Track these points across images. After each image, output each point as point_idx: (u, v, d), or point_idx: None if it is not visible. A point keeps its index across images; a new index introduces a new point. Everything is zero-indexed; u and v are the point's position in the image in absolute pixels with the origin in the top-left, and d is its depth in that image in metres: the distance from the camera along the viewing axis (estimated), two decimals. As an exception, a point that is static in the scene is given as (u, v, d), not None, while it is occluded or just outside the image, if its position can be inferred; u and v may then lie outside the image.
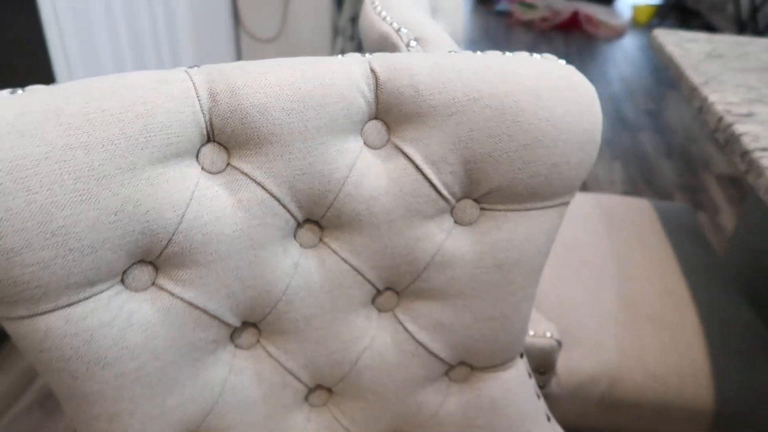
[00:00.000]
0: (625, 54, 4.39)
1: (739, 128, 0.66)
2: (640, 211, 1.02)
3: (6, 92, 0.38)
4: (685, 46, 0.96)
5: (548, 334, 0.71)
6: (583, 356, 0.74)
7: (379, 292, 0.51)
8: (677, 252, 0.92)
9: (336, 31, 2.75)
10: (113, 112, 0.38)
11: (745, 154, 0.62)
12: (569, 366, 0.74)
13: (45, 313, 0.38)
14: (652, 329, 0.77)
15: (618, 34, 4.72)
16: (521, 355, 0.57)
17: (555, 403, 0.75)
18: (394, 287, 0.51)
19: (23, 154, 0.35)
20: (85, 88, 0.39)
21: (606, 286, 0.83)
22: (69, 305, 0.39)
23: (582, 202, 1.02)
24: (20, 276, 0.36)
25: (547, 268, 0.86)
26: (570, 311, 0.79)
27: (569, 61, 4.15)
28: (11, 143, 0.35)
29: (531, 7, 4.89)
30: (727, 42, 0.99)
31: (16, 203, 0.35)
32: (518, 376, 0.55)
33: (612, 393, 0.73)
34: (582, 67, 4.06)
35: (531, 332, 0.70)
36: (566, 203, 0.51)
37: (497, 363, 0.54)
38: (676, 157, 2.85)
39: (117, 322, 0.40)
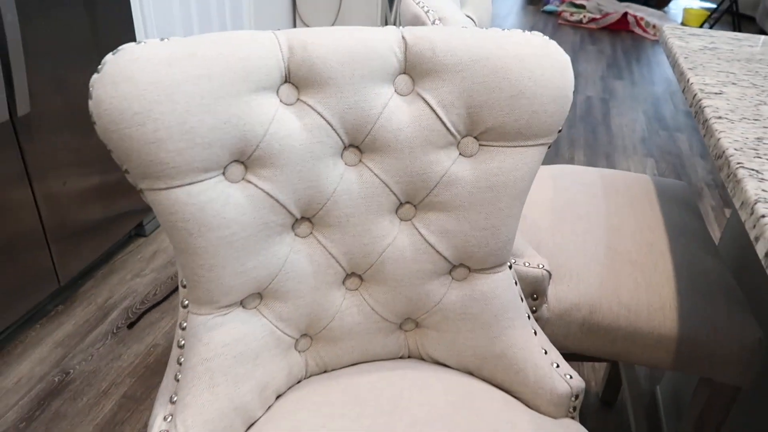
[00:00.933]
0: (671, 56, 4.42)
1: (706, 102, 0.81)
2: (639, 183, 1.17)
3: (156, 40, 0.57)
4: (685, 39, 1.10)
5: (541, 266, 0.87)
6: (569, 288, 0.90)
7: (401, 204, 0.69)
8: (666, 217, 1.06)
9: (386, 24, 2.93)
10: (226, 55, 0.57)
11: (705, 121, 0.77)
12: (557, 295, 0.90)
13: (175, 187, 0.57)
14: (629, 270, 0.92)
15: (666, 36, 4.73)
16: (510, 267, 0.74)
17: (545, 326, 0.91)
18: (412, 201, 0.69)
19: (171, 78, 0.55)
20: (207, 39, 0.58)
21: (594, 236, 0.98)
22: (190, 183, 0.58)
23: (586, 173, 1.17)
24: (164, 158, 0.56)
25: (547, 219, 1.02)
26: (561, 252, 0.95)
27: (614, 61, 4.22)
28: (164, 71, 0.54)
29: (580, 7, 4.96)
30: (725, 37, 1.13)
31: (165, 109, 0.54)
32: (505, 279, 0.72)
33: (591, 318, 0.89)
34: (627, 67, 4.13)
35: (527, 263, 0.87)
36: (546, 144, 0.67)
37: (488, 266, 0.71)
38: (709, 158, 2.92)
39: (219, 200, 0.59)
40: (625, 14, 4.78)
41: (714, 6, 5.57)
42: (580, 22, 4.88)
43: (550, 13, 5.21)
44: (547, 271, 0.86)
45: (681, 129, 3.22)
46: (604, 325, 0.88)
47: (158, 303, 1.82)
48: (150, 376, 1.58)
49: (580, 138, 3.04)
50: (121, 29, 1.77)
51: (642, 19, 4.74)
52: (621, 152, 2.93)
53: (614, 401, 1.55)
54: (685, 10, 5.02)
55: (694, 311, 0.87)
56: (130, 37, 1.81)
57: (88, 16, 1.64)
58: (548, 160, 2.75)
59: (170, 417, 0.62)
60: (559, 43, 4.47)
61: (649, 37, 4.71)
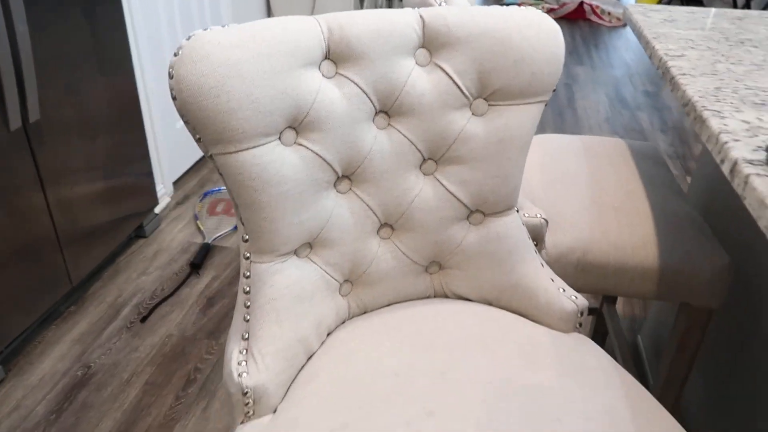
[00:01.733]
0: (627, 42, 4.64)
1: (671, 63, 0.95)
2: (614, 145, 1.31)
3: (219, 27, 0.68)
4: (647, 15, 1.24)
5: (538, 215, 0.99)
6: (564, 234, 1.03)
7: (424, 160, 0.80)
8: (640, 171, 1.20)
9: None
10: (279, 36, 0.68)
11: (672, 78, 0.91)
12: (553, 241, 1.02)
13: (243, 150, 0.68)
14: (614, 216, 1.06)
15: (622, 23, 4.96)
16: (517, 211, 0.86)
17: (545, 269, 1.03)
18: (434, 157, 0.81)
19: (239, 56, 0.65)
20: (262, 24, 0.68)
21: (581, 189, 1.12)
22: (255, 147, 0.68)
23: (568, 139, 1.31)
24: (235, 125, 0.66)
25: (538, 177, 1.15)
26: (554, 205, 1.08)
27: (574, 48, 4.41)
28: (233, 51, 0.65)
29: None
30: (682, 11, 1.27)
31: (236, 83, 0.65)
32: (515, 221, 0.85)
33: (585, 259, 1.02)
34: (587, 53, 4.33)
35: (526, 214, 0.99)
36: (544, 101, 0.80)
37: (500, 210, 0.83)
38: (669, 132, 3.12)
39: (277, 161, 0.70)
40: (581, 3, 4.99)
41: (663, -8, 5.85)
42: (539, 13, 5.07)
43: (511, 5, 5.40)
44: (544, 219, 0.99)
45: (641, 108, 3.42)
46: (596, 264, 1.02)
47: (167, 297, 1.90)
48: (168, 363, 1.66)
49: (549, 121, 3.20)
50: (115, 35, 1.85)
51: (597, 7, 4.96)
52: (587, 132, 3.10)
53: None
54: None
55: (670, 245, 1.01)
56: (124, 41, 1.89)
57: (88, 24, 1.71)
58: (521, 144, 2.90)
59: (245, 350, 0.72)
60: (521, 34, 4.65)
61: (606, 24, 4.92)
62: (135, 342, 1.73)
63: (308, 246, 0.77)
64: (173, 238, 2.20)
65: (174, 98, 0.66)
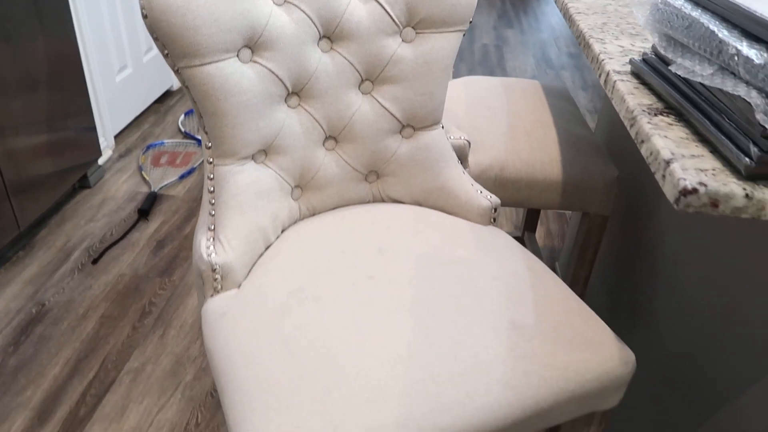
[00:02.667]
0: (554, 8, 4.88)
1: (570, 4, 1.11)
2: (530, 85, 1.48)
3: (182, -45, 0.78)
4: (556, -33, 1.41)
5: (462, 138, 1.15)
6: (484, 154, 1.19)
7: (362, 80, 0.94)
8: (550, 105, 1.38)
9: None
10: (236, -35, 0.79)
11: (570, 16, 1.08)
12: (476, 160, 1.19)
13: (207, 64, 0.79)
14: (526, 139, 1.23)
15: (548, -11, 5.17)
16: (442, 127, 1.01)
17: (468, 186, 1.20)
18: (371, 78, 0.94)
19: (202, -20, 0.76)
20: (220, -46, 0.79)
21: (499, 118, 1.28)
22: (217, 61, 0.80)
23: (489, 80, 1.48)
24: (200, 41, 0.77)
25: (463, 109, 1.30)
26: (476, 131, 1.24)
27: (504, 12, 4.61)
28: (196, -25, 0.76)
29: (470, -36, 5.26)
30: (585, -35, 1.45)
31: (200, 3, 0.76)
32: (440, 134, 1.00)
33: (501, 174, 1.18)
34: (516, 18, 4.53)
35: (451, 137, 1.15)
36: (462, 31, 0.94)
37: (428, 124, 0.98)
38: (589, 89, 3.36)
39: (236, 74, 0.82)
40: (511, -30, 5.16)
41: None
42: (472, -22, 5.23)
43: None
44: (467, 140, 1.15)
45: (565, 68, 3.65)
46: (510, 179, 1.19)
47: (118, 240, 1.97)
48: (123, 299, 1.75)
49: (480, 80, 3.38)
50: (53, -16, 1.86)
51: (526, -27, 5.15)
52: (516, 90, 3.30)
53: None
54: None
55: (572, 162, 1.20)
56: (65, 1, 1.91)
57: (26, -30, 1.72)
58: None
59: (212, 238, 0.85)
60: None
61: (533, -10, 5.13)
62: (88, 281, 1.80)
63: (263, 153, 0.90)
64: (118, 189, 2.25)
65: (145, 17, 0.76)
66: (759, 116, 0.53)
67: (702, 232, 0.97)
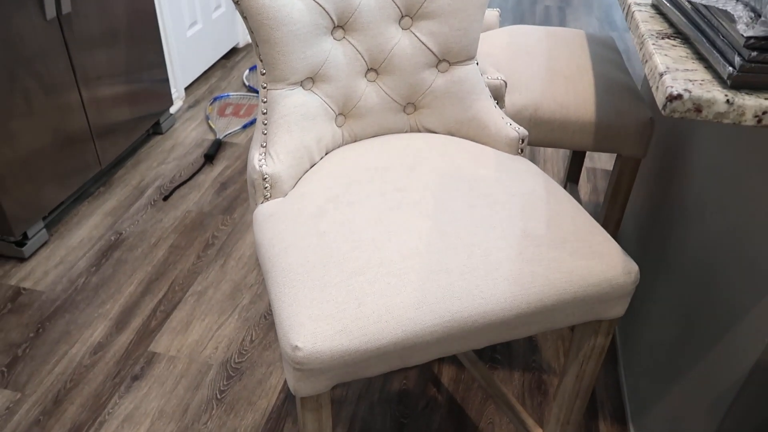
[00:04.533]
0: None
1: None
2: (575, 34, 1.52)
3: None
4: None
5: (499, 78, 1.22)
6: (520, 95, 1.26)
7: (402, 16, 1.02)
8: (592, 52, 1.42)
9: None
10: None
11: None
12: (512, 101, 1.25)
13: (262, -5, 0.90)
14: (563, 82, 1.28)
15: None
16: (476, 63, 1.09)
17: (504, 125, 1.26)
18: (409, 13, 1.02)
19: None
20: None
21: (538, 62, 1.34)
22: (271, -7, 0.90)
23: (534, 29, 1.52)
24: (256, -27, 0.88)
25: (504, 53, 1.36)
26: (514, 73, 1.30)
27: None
28: None
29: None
30: None
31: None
32: (474, 69, 1.07)
33: (536, 115, 1.25)
34: (581, -20, 4.42)
35: (489, 77, 1.21)
36: (496, -30, 1.00)
37: (462, 59, 1.06)
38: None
39: (288, 5, 0.92)
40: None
41: None
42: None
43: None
44: (503, 80, 1.22)
45: (628, 30, 3.57)
46: (545, 119, 1.25)
47: (186, 181, 2.15)
48: (189, 232, 1.92)
49: (539, 41, 3.37)
50: (133, -59, 2.02)
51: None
52: (575, 51, 3.27)
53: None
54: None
55: (606, 105, 1.24)
56: (141, -52, 2.06)
57: (109, -73, 1.88)
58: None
59: (263, 153, 0.97)
60: (519, -40, 4.73)
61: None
62: (159, 215, 1.99)
63: (311, 80, 1.00)
64: (187, 136, 2.43)
65: (210, -49, 0.87)
66: (740, 27, 0.58)
67: (727, 175, 1.02)
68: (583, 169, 2.29)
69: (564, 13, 3.80)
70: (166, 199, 2.06)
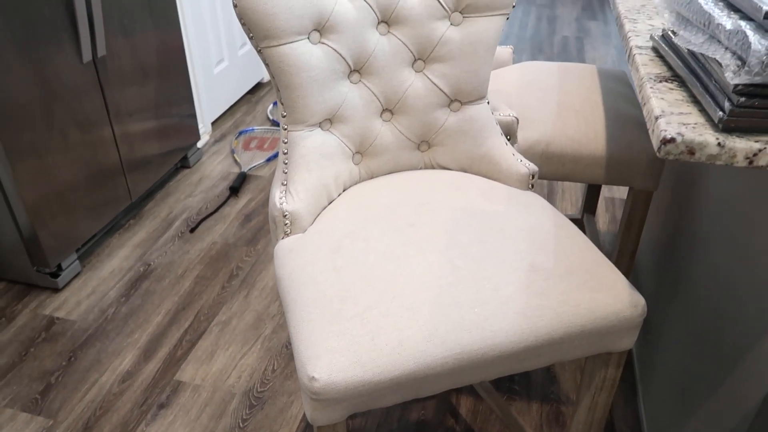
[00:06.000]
0: (641, -3, 4.76)
1: (619, 1, 1.20)
2: (586, 68, 1.56)
3: (265, -44, 0.95)
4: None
5: (511, 114, 1.26)
6: (532, 130, 1.29)
7: (415, 59, 1.08)
8: (603, 86, 1.45)
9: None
10: (308, -38, 0.95)
11: (616, 13, 1.16)
12: (524, 136, 1.29)
13: (283, 44, 0.96)
14: (574, 117, 1.32)
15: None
16: (487, 102, 1.13)
17: (517, 159, 1.30)
18: (422, 57, 1.08)
19: (280, -25, 0.93)
20: (295, -46, 0.96)
21: (550, 97, 1.38)
22: (291, 42, 0.96)
23: (546, 64, 1.56)
24: (278, 25, 0.94)
25: (516, 89, 1.41)
26: (526, 108, 1.34)
27: (588, 4, 4.56)
28: (276, -29, 0.93)
29: (556, -43, 5.23)
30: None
31: (278, -6, 0.93)
32: (485, 107, 1.12)
33: (548, 149, 1.28)
34: (600, 9, 4.48)
35: (501, 114, 1.26)
36: (505, 14, 1.06)
37: (473, 99, 1.11)
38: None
39: (307, 53, 0.98)
40: (598, -39, 5.09)
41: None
42: (557, -29, 5.20)
43: (529, -35, 5.52)
44: (515, 117, 1.26)
45: (647, 59, 3.59)
46: (557, 153, 1.28)
47: (211, 213, 2.22)
48: (214, 263, 1.98)
49: (557, 71, 3.41)
50: (164, -13, 2.13)
51: (614, -36, 5.06)
52: (593, 81, 3.30)
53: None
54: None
55: (617, 139, 1.27)
56: (171, -7, 2.17)
57: (142, -25, 2.00)
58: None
59: (284, 191, 1.02)
60: (538, -8, 4.81)
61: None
62: (186, 247, 2.06)
63: (329, 121, 1.06)
64: (213, 169, 2.51)
65: (235, 6, 0.94)
66: (728, 74, 0.62)
67: (738, 205, 1.04)
68: (602, 198, 2.30)
69: (582, 43, 3.85)
70: (192, 231, 2.13)
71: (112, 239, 2.09)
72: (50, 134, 1.69)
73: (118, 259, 2.00)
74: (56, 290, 1.86)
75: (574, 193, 2.35)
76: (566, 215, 1.97)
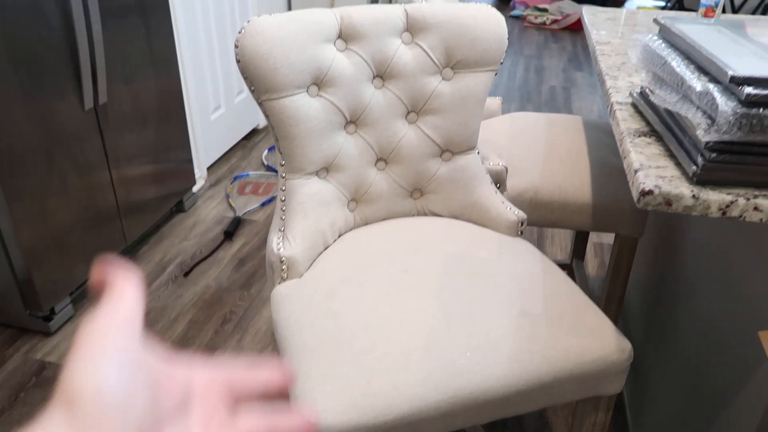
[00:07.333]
0: (624, 49, 4.94)
1: (598, 46, 1.26)
2: (572, 119, 1.62)
3: (267, 15, 1.01)
4: (596, 14, 1.56)
5: (500, 164, 1.31)
6: (520, 178, 1.34)
7: (408, 112, 1.13)
8: (588, 136, 1.51)
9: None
10: (309, 21, 1.01)
11: (595, 56, 1.23)
12: (513, 184, 1.34)
13: (283, 97, 1.01)
14: (561, 166, 1.37)
15: (621, 32, 5.24)
16: (477, 152, 1.18)
17: (506, 207, 1.34)
18: (415, 109, 1.13)
19: (282, 33, 0.99)
20: (298, 13, 1.02)
21: (537, 147, 1.43)
22: (291, 95, 1.01)
23: (534, 115, 1.63)
24: (279, 80, 0.99)
25: (505, 139, 1.46)
26: (514, 157, 1.39)
27: (575, 56, 4.72)
28: (278, 29, 0.98)
29: (543, 11, 5.47)
30: (624, 12, 1.59)
31: (279, 51, 0.98)
32: (475, 157, 1.17)
33: (536, 197, 1.33)
34: (586, 61, 4.64)
35: (491, 163, 1.31)
36: (494, 70, 1.12)
37: (464, 149, 1.15)
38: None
39: (305, 106, 1.03)
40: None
41: (664, 3, 6.14)
42: (544, 23, 5.40)
43: (517, 17, 5.74)
44: (504, 166, 1.31)
45: (632, 108, 3.71)
46: (544, 201, 1.33)
47: (206, 257, 2.24)
48: (208, 307, 1.99)
49: (546, 120, 3.51)
50: (165, 39, 2.21)
51: (598, 18, 5.26)
52: (580, 129, 3.40)
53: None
54: (638, 8, 5.56)
55: (602, 187, 1.32)
56: (172, 44, 2.25)
57: (144, 28, 2.07)
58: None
59: (281, 236, 1.05)
60: (525, 43, 4.98)
61: (606, 34, 5.21)
62: (180, 291, 2.07)
63: (325, 170, 1.10)
64: (208, 213, 2.54)
65: (238, 61, 0.99)
66: (699, 132, 0.66)
67: (722, 249, 1.08)
68: (590, 244, 2.35)
69: (569, 93, 3.97)
70: (186, 275, 2.15)
71: (105, 283, 2.10)
72: (49, 178, 1.72)
73: (112, 303, 2.00)
74: (48, 334, 1.86)
75: (563, 238, 2.39)
76: (556, 261, 2.01)
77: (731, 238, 1.01)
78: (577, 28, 5.32)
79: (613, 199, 1.31)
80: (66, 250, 1.83)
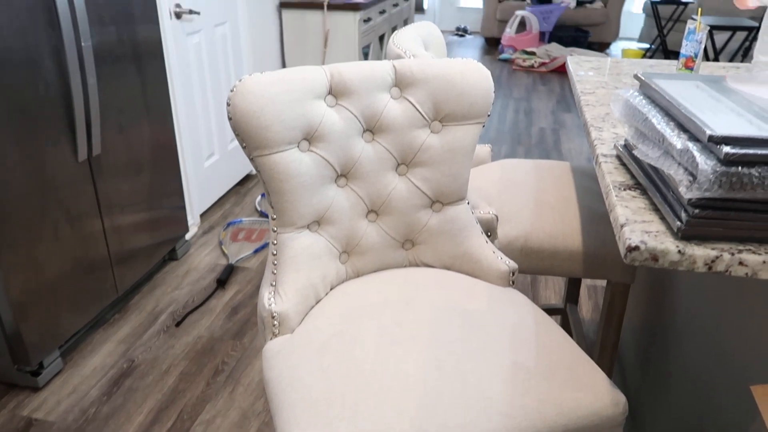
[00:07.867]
0: (611, 91, 5.05)
1: (582, 96, 1.29)
2: (561, 166, 1.65)
3: (258, 73, 1.03)
4: (581, 63, 1.60)
5: (490, 212, 1.32)
6: (510, 227, 1.35)
7: (398, 164, 1.15)
8: (576, 183, 1.53)
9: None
10: (299, 79, 1.03)
11: (580, 107, 1.25)
12: (503, 232, 1.35)
13: (274, 153, 1.02)
14: (550, 213, 1.38)
15: (607, 75, 5.37)
16: (467, 202, 1.19)
17: (498, 255, 1.35)
18: (405, 162, 1.15)
19: (273, 92, 1.01)
20: (288, 71, 1.04)
21: (527, 195, 1.45)
22: (282, 151, 1.03)
23: (523, 162, 1.65)
24: (270, 137, 1.01)
25: (495, 187, 1.48)
26: (505, 205, 1.41)
27: (563, 98, 4.82)
28: (269, 87, 1.01)
29: (531, 54, 5.60)
30: (608, 61, 1.63)
31: (271, 109, 1.00)
32: (465, 208, 1.18)
33: (527, 245, 1.34)
34: (574, 102, 4.73)
35: (481, 211, 1.32)
36: (481, 123, 1.14)
37: (454, 200, 1.17)
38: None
39: (296, 161, 1.05)
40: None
41: (648, 46, 6.30)
42: (532, 66, 5.53)
43: (506, 60, 5.87)
44: (494, 215, 1.32)
45: (621, 149, 3.77)
46: (535, 249, 1.34)
47: (198, 306, 2.22)
48: (200, 357, 1.96)
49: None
50: (159, 89, 2.24)
51: (584, 62, 5.38)
52: (570, 171, 3.44)
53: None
54: (624, 51, 5.71)
55: (592, 235, 1.33)
56: (166, 94, 2.28)
57: (139, 79, 2.11)
58: (509, 181, 3.24)
59: (273, 291, 1.05)
60: (514, 86, 5.08)
61: (592, 77, 5.33)
62: (171, 341, 2.04)
63: (317, 223, 1.11)
64: (201, 261, 2.54)
65: (230, 119, 1.01)
66: (681, 189, 0.68)
67: (712, 294, 1.08)
68: (584, 287, 2.35)
69: (558, 134, 4.03)
70: (178, 324, 2.13)
71: (95, 334, 2.08)
72: (40, 228, 1.72)
73: (101, 356, 1.98)
74: (36, 389, 1.82)
75: (557, 282, 2.39)
76: (549, 305, 2.00)
77: (719, 287, 1.01)
78: (564, 70, 5.44)
79: (602, 247, 1.31)
80: (56, 301, 1.82)
